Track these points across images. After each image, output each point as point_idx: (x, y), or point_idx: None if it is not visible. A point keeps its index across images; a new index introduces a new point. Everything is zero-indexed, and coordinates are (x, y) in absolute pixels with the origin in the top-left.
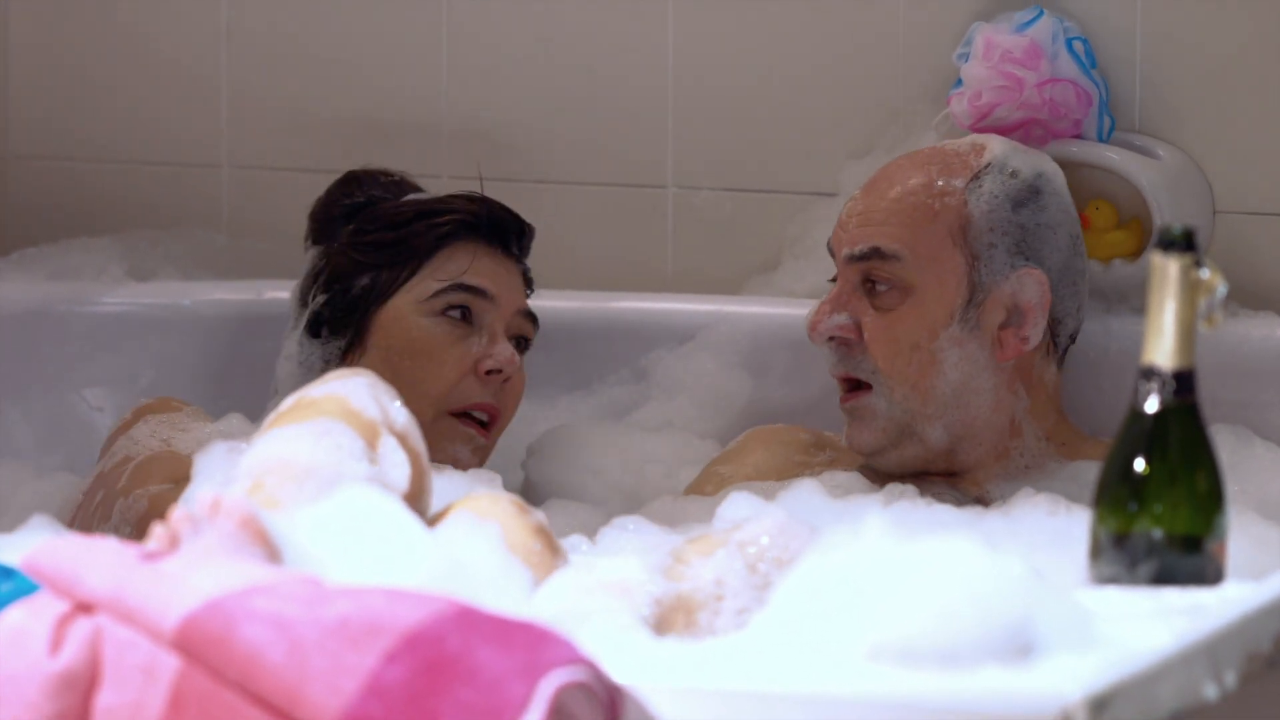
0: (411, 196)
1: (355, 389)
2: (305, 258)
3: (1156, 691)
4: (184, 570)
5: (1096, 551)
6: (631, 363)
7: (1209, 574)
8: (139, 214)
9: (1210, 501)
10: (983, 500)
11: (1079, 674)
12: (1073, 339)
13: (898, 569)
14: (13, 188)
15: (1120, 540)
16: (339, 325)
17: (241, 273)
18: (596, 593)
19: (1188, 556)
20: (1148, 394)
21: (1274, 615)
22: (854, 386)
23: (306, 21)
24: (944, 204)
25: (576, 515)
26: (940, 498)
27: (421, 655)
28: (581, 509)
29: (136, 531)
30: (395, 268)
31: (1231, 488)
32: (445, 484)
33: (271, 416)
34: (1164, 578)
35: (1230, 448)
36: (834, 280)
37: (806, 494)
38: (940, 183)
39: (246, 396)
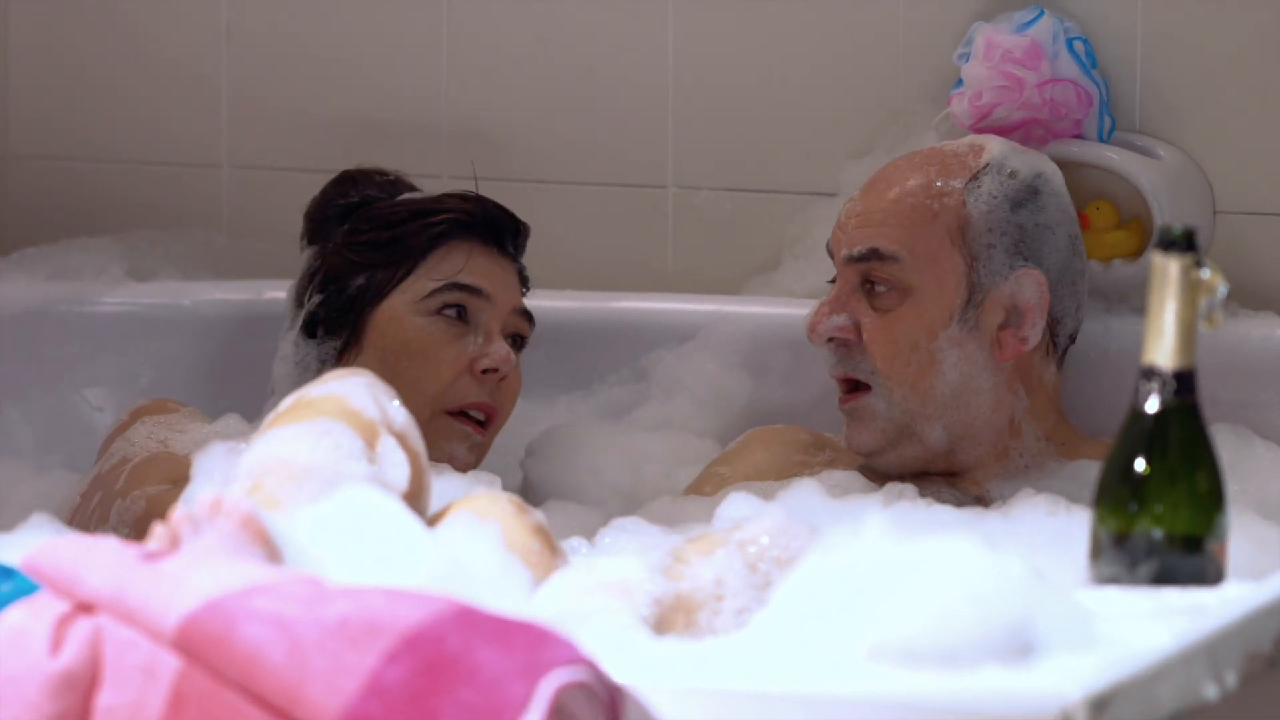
0: (406, 196)
1: (354, 389)
2: (301, 258)
3: (1156, 691)
4: (184, 570)
5: (1096, 551)
6: (631, 362)
7: (1209, 574)
8: (139, 214)
9: (1210, 501)
10: (982, 500)
11: (1079, 674)
12: (1072, 339)
13: (898, 569)
14: (13, 188)
15: (1120, 540)
16: (335, 325)
17: (241, 273)
18: (596, 592)
19: (1188, 556)
20: (1148, 394)
21: (1274, 615)
22: (853, 387)
23: (306, 21)
24: (943, 205)
25: (575, 516)
26: (940, 498)
27: (421, 655)
28: (580, 509)
29: (135, 532)
30: (390, 267)
31: (1231, 488)
32: (444, 485)
33: (270, 416)
34: (1164, 578)
35: (1230, 448)
36: (833, 281)
37: (806, 494)
38: (939, 183)
39: (247, 396)
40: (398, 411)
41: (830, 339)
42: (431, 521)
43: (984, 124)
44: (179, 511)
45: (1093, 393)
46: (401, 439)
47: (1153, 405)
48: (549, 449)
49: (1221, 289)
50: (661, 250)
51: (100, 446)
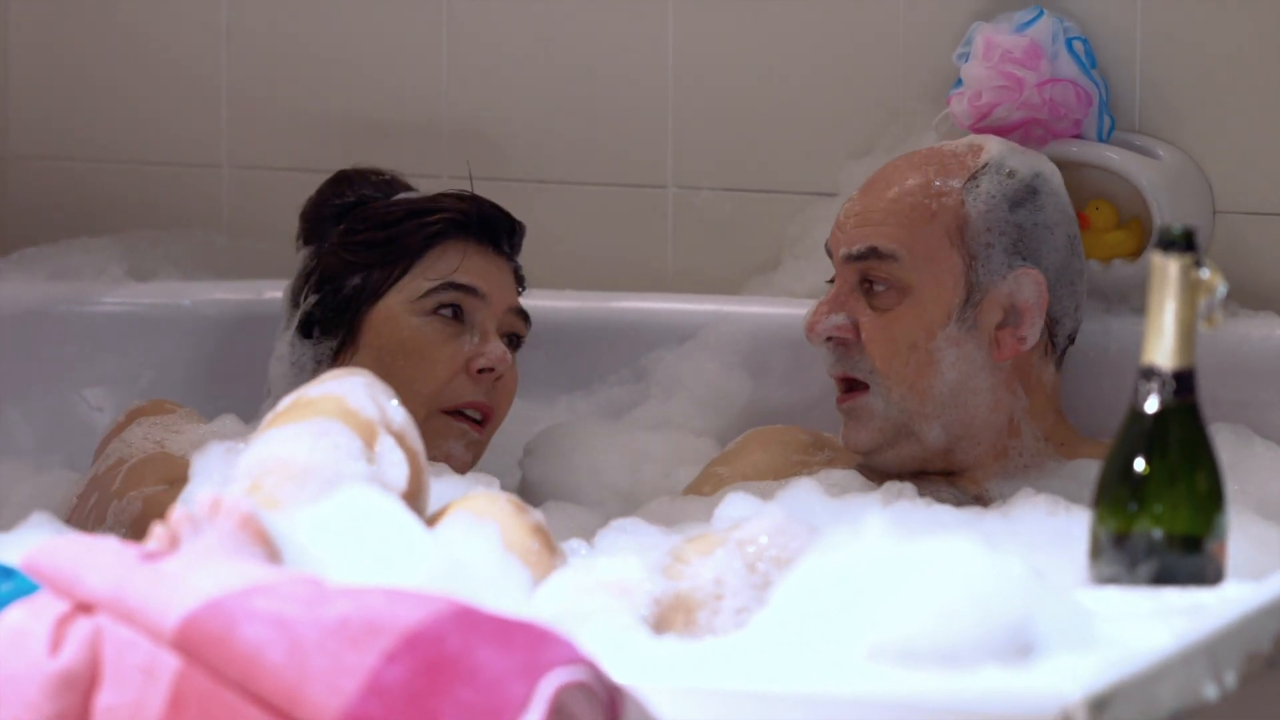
0: (402, 195)
1: (352, 388)
2: (296, 258)
3: (1156, 691)
4: (184, 570)
5: (1096, 551)
6: (631, 362)
7: (1209, 574)
8: (139, 214)
9: (1210, 501)
10: (982, 499)
11: (1079, 674)
12: (1071, 339)
13: (898, 569)
14: (13, 188)
15: (1120, 540)
16: (331, 325)
17: (241, 273)
18: (596, 592)
19: (1188, 556)
20: (1148, 394)
21: (1274, 615)
22: (851, 386)
23: (306, 21)
24: (941, 204)
25: (574, 516)
26: (939, 497)
27: (421, 655)
28: (579, 509)
29: (132, 533)
30: (386, 267)
31: (1231, 488)
32: (443, 486)
33: (269, 417)
34: (1164, 578)
35: (1230, 448)
36: (832, 281)
37: (805, 493)
38: (938, 183)
39: (246, 396)
40: (396, 411)
41: (828, 338)
42: (430, 521)
43: (984, 124)
44: (178, 511)
45: (1092, 393)
46: (400, 438)
47: (1152, 405)
48: (548, 449)
49: (1221, 289)
50: (661, 250)
51: (96, 448)
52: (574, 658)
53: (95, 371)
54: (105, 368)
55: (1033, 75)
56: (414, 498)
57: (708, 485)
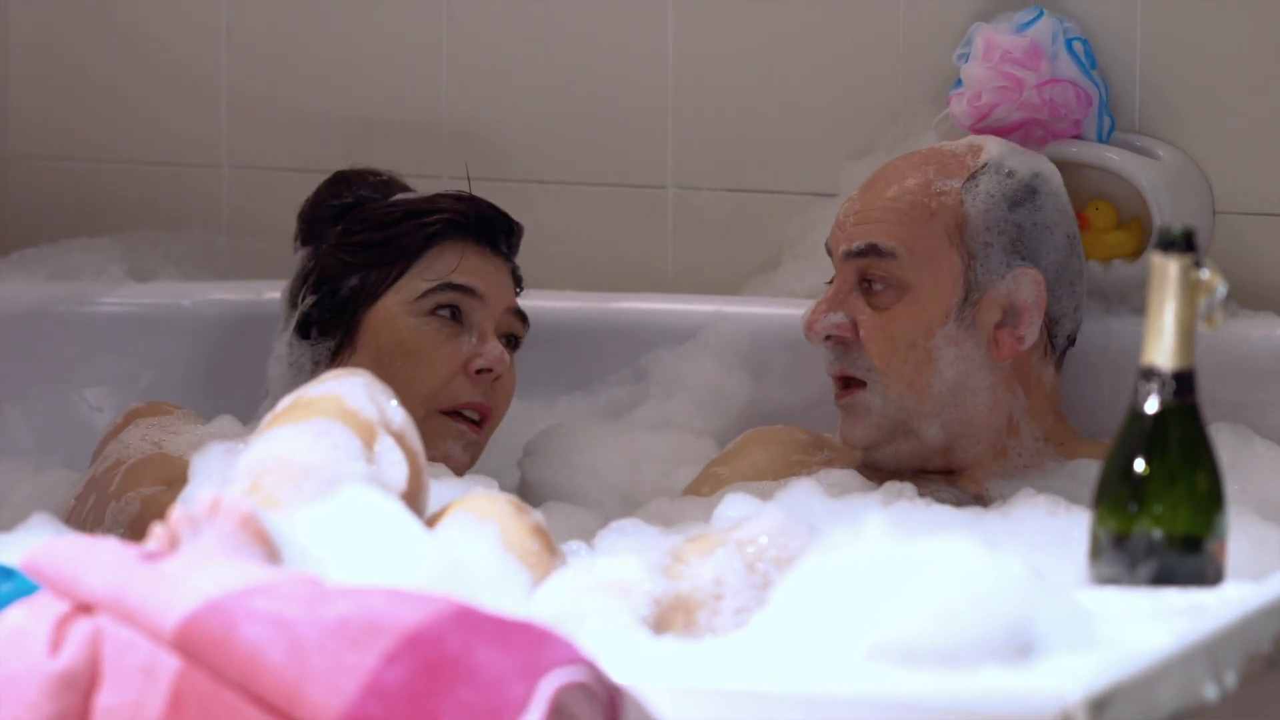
0: (400, 196)
1: (352, 389)
2: (294, 259)
3: (1156, 691)
4: (184, 570)
5: (1096, 552)
6: (631, 362)
7: (1209, 574)
8: (139, 214)
9: (1210, 501)
10: (982, 499)
11: (1079, 674)
12: (1071, 340)
13: (898, 569)
14: (13, 188)
15: (1120, 540)
16: (328, 326)
17: (241, 273)
18: (596, 592)
19: (1188, 557)
20: (1148, 394)
21: (1274, 615)
22: (849, 384)
23: (306, 21)
24: (940, 203)
25: (573, 516)
26: (939, 497)
27: (421, 655)
28: (578, 509)
29: (130, 534)
30: (384, 268)
31: (1231, 488)
32: (442, 487)
33: (268, 417)
34: (1164, 578)
35: (1230, 447)
36: (831, 281)
37: (805, 493)
38: (937, 183)
39: (246, 396)
40: (395, 411)
41: (827, 337)
42: (430, 522)
43: (983, 124)
44: (178, 512)
45: (1092, 393)
46: (399, 439)
47: (1152, 405)
48: (547, 449)
49: (1221, 289)
50: (661, 250)
51: (94, 450)
52: (574, 658)
53: (95, 371)
54: (105, 368)
55: (1033, 76)
56: (413, 498)
57: (707, 485)
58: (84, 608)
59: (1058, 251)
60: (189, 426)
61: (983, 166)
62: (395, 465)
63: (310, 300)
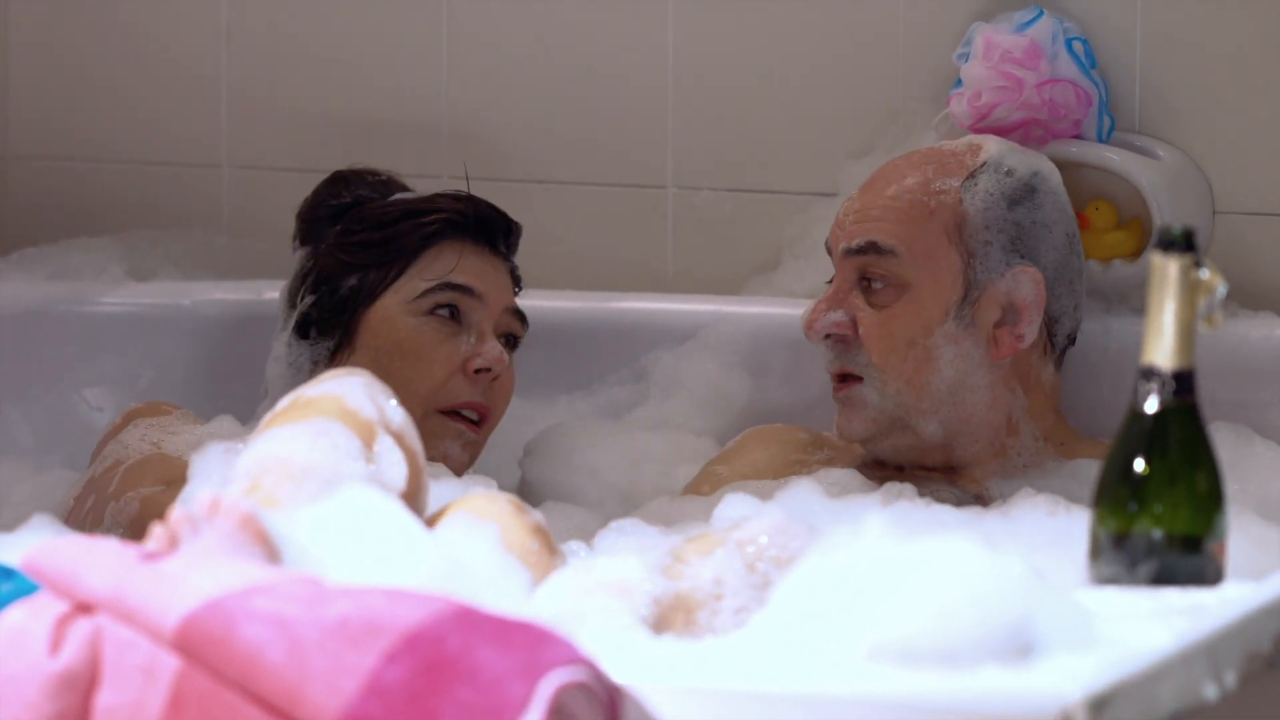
0: (398, 196)
1: (351, 388)
2: (293, 259)
3: (1156, 691)
4: (184, 570)
5: (1096, 551)
6: (631, 362)
7: (1209, 574)
8: (139, 214)
9: (1210, 501)
10: (982, 498)
11: (1079, 674)
12: (1071, 340)
13: (898, 569)
14: (13, 188)
15: (1120, 540)
16: (327, 326)
17: (241, 273)
18: (595, 592)
19: (1188, 556)
20: (1147, 394)
21: (1274, 615)
22: (847, 379)
23: (306, 21)
24: (940, 202)
25: (573, 516)
26: (939, 496)
27: (421, 655)
28: (578, 509)
29: (129, 534)
30: (383, 268)
31: (1231, 488)
32: (441, 487)
33: (268, 417)
34: (1164, 578)
35: (1230, 447)
36: (831, 281)
37: (805, 493)
38: (936, 181)
39: (246, 396)
40: (395, 411)
41: (827, 335)
42: (429, 522)
43: (983, 124)
44: (178, 512)
45: (1092, 393)
46: (399, 438)
47: (1152, 405)
48: (547, 449)
49: (1221, 289)
50: (661, 250)
51: (93, 451)
52: (574, 658)
53: (95, 371)
54: (105, 368)
55: (1032, 75)
56: (413, 498)
57: (707, 484)
58: (84, 608)
59: (1057, 250)
60: (188, 426)
61: (982, 165)
62: (395, 465)
63: (309, 300)
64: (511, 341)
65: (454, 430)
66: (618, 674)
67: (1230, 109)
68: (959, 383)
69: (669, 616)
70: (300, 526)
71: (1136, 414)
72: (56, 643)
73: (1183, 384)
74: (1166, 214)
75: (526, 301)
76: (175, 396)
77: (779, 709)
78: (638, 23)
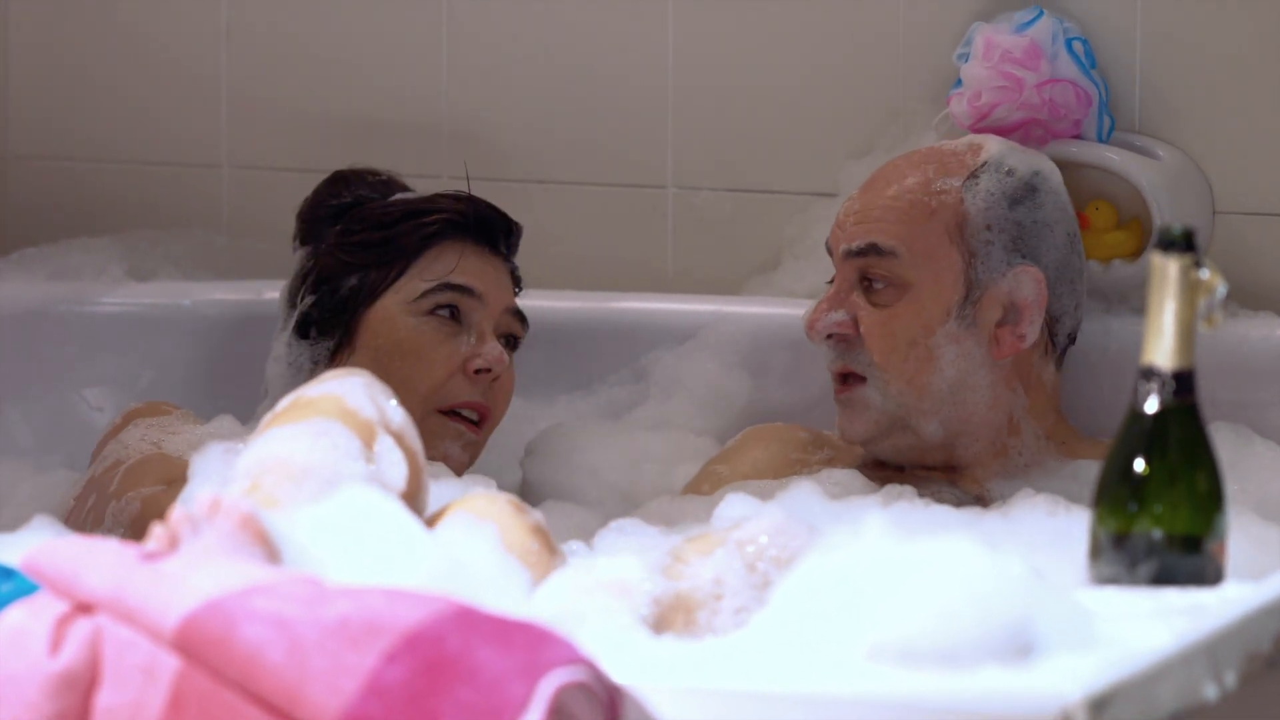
0: (399, 196)
1: (351, 388)
2: (294, 258)
3: (1156, 691)
4: (184, 570)
5: (1096, 551)
6: (631, 362)
7: (1209, 574)
8: (139, 214)
9: (1210, 501)
10: (982, 499)
11: (1079, 674)
12: (1071, 339)
13: (898, 569)
14: (13, 188)
15: (1120, 540)
16: (327, 326)
17: (241, 273)
18: (595, 592)
19: (1187, 556)
20: (1147, 394)
21: (1274, 615)
22: (849, 379)
23: (306, 21)
24: (941, 201)
25: (574, 515)
26: (939, 497)
27: (421, 655)
28: (579, 509)
29: (130, 534)
30: (383, 268)
31: (1231, 488)
32: (441, 487)
33: (268, 417)
34: (1164, 578)
35: (1230, 447)
36: (832, 281)
37: (805, 493)
38: (937, 181)
39: (246, 396)
40: (395, 411)
41: (829, 335)
42: (429, 522)
43: (983, 124)
44: (178, 512)
45: (1092, 393)
46: (399, 438)
47: (1152, 405)
48: (548, 448)
49: (1221, 289)
50: (661, 250)
51: (93, 451)
52: (574, 658)
53: (95, 371)
54: (105, 368)
55: (1032, 75)
56: (413, 498)
57: (707, 483)
58: (84, 608)
59: (1058, 249)
60: (188, 426)
61: (983, 165)
62: (395, 465)
63: (309, 300)
64: (512, 342)
65: (454, 430)
66: (618, 674)
67: (1230, 109)
68: (960, 382)
69: (669, 616)
70: (300, 526)
71: (1136, 414)
72: (56, 643)
73: (1183, 384)
74: (1166, 214)
75: (526, 301)
76: (175, 396)
77: (779, 709)
78: (638, 23)
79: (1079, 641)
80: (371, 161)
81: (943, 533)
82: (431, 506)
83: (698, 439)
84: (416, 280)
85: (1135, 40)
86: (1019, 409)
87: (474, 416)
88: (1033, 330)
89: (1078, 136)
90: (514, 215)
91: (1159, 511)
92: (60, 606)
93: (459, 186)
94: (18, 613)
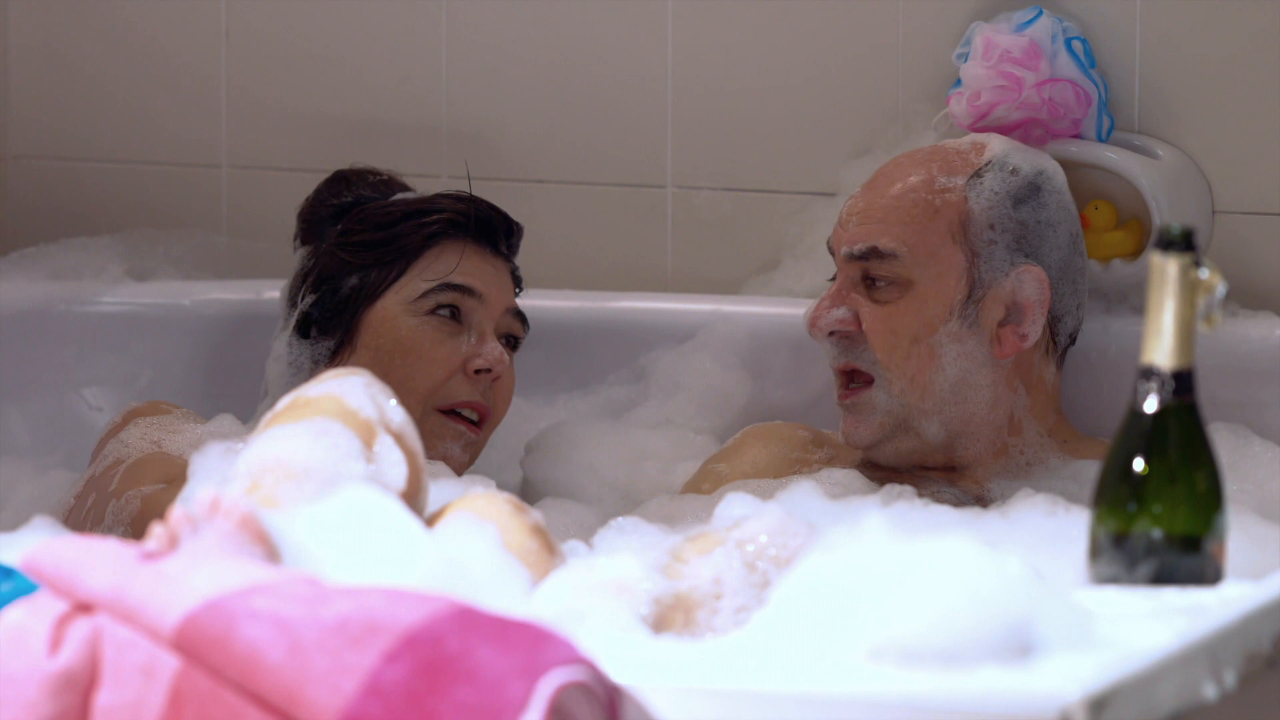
0: (399, 196)
1: (351, 388)
2: (294, 258)
3: (1156, 691)
4: (183, 570)
5: (1096, 551)
6: (631, 362)
7: (1208, 574)
8: (139, 214)
9: (1209, 501)
10: (983, 499)
11: (1079, 674)
12: (1072, 339)
13: (898, 569)
14: (13, 188)
15: (1120, 540)
16: (328, 325)
17: (241, 273)
18: (595, 592)
19: (1187, 556)
20: (1147, 394)
21: (1274, 615)
22: (854, 379)
23: (306, 21)
24: (944, 200)
25: (574, 514)
26: (939, 497)
27: (421, 655)
28: (579, 508)
29: (130, 532)
30: (383, 267)
31: (1231, 488)
32: (440, 487)
33: (268, 416)
34: (1163, 578)
35: (1230, 447)
36: (834, 279)
37: (805, 493)
38: (941, 179)
39: (245, 396)
40: (395, 411)
41: (831, 332)
42: (429, 522)
43: (983, 124)
44: (177, 511)
45: (1092, 393)
46: (399, 438)
47: (1151, 405)
48: (548, 447)
49: (1220, 289)
50: (661, 250)
51: (93, 450)
52: (573, 658)
53: (95, 371)
54: (105, 368)
55: (1032, 75)
56: (413, 497)
57: (706, 482)
58: (83, 607)
59: (1061, 249)
60: (188, 425)
61: (987, 164)
62: (394, 465)
63: (310, 300)
64: (512, 342)
65: (454, 430)
66: (617, 674)
67: (1230, 109)
68: (962, 381)
69: (669, 616)
70: (300, 526)
71: (1136, 414)
72: (56, 642)
73: (1182, 384)
74: (1166, 214)
75: (526, 301)
76: (175, 396)
77: (779, 709)
78: (637, 23)
79: (1079, 641)
80: (371, 161)
81: (942, 533)
82: (431, 506)
83: (697, 438)
84: (417, 280)
85: (1135, 40)
86: (1020, 408)
87: (474, 416)
88: (1035, 330)
89: (1077, 136)
90: (514, 215)
91: (1158, 511)
92: (60, 606)
93: (459, 186)
94: (17, 612)
